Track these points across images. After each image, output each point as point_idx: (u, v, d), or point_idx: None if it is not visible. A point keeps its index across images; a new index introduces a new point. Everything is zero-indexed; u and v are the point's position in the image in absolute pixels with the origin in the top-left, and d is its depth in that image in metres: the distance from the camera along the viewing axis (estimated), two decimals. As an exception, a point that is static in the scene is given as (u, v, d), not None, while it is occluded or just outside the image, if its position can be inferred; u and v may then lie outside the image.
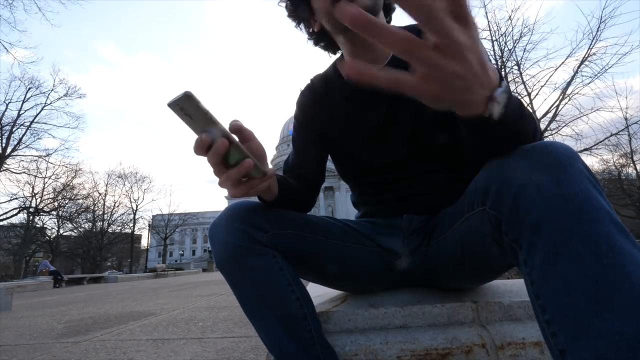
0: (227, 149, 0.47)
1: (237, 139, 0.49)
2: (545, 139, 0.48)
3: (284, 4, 0.77)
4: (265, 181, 0.56)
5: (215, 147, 0.47)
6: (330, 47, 0.80)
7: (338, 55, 0.83)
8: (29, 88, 20.09)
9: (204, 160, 0.49)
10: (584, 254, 0.35)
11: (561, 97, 8.60)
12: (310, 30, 0.78)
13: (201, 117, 0.44)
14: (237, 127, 0.50)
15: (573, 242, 0.36)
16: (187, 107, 0.42)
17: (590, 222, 0.36)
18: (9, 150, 19.22)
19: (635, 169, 16.26)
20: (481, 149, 0.50)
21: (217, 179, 0.51)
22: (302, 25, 0.78)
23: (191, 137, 0.48)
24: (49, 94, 20.67)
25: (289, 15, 0.78)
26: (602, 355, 0.31)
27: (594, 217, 0.37)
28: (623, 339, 0.31)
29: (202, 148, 0.47)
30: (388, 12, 0.75)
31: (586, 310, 0.33)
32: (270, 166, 0.58)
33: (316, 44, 0.80)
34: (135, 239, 32.54)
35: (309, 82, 0.85)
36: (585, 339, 0.33)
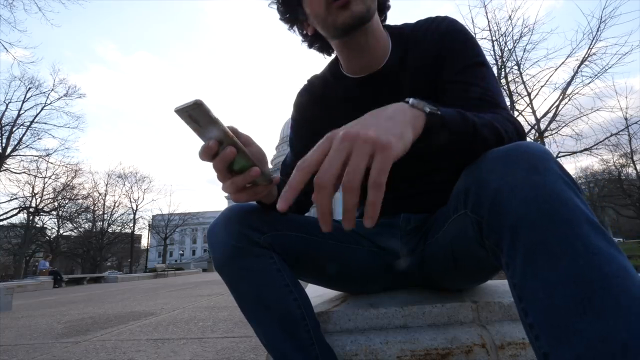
0: (234, 157, 0.47)
1: (243, 146, 0.49)
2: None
3: (274, 7, 0.76)
4: (270, 188, 0.57)
5: (222, 154, 0.47)
6: (325, 49, 0.79)
7: (334, 55, 0.82)
8: (29, 88, 20.14)
9: (205, 161, 0.49)
10: (561, 255, 0.35)
11: (561, 97, 8.61)
12: (304, 33, 0.77)
13: (209, 124, 0.43)
14: (232, 132, 0.50)
15: (549, 243, 0.36)
16: (195, 114, 0.42)
17: (565, 222, 0.36)
18: (9, 150, 19.25)
19: (635, 169, 16.26)
20: (452, 157, 0.53)
21: (217, 179, 0.51)
22: (295, 28, 0.77)
23: (192, 138, 0.48)
24: (49, 94, 20.75)
25: (282, 19, 0.76)
26: (581, 356, 0.31)
27: (568, 217, 0.36)
28: (602, 340, 0.31)
29: (208, 154, 0.47)
30: (382, 10, 0.74)
31: (566, 312, 0.33)
32: (270, 166, 0.58)
33: (310, 46, 0.79)
34: (135, 239, 32.57)
35: (306, 83, 0.84)
36: (566, 341, 0.33)
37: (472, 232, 0.48)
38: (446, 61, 0.67)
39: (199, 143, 0.47)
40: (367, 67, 0.72)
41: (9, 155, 19.28)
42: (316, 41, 0.77)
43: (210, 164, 0.50)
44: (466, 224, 0.49)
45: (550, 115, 8.71)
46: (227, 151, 0.46)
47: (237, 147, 0.47)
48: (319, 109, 0.80)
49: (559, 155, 8.85)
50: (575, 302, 0.33)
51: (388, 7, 0.75)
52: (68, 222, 24.99)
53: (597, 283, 0.33)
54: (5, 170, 19.08)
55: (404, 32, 0.73)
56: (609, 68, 8.08)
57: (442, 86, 0.68)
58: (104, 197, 28.45)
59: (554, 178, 0.39)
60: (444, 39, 0.68)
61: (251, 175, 0.50)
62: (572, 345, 0.32)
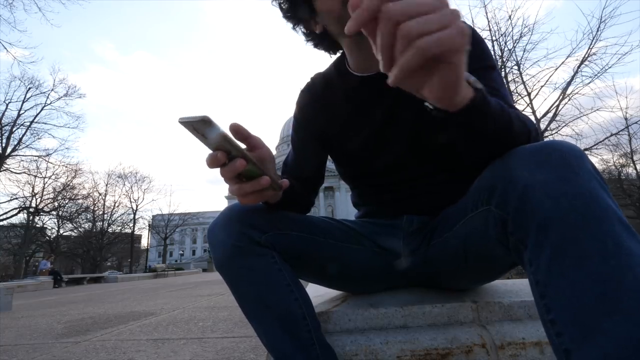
0: (243, 168, 0.47)
1: (252, 157, 0.48)
2: (546, 139, 0.48)
3: (277, 4, 0.73)
4: (278, 193, 0.57)
5: (232, 166, 0.46)
6: (332, 47, 0.78)
7: (340, 53, 0.80)
8: (29, 88, 20.16)
9: (204, 160, 0.49)
10: (591, 254, 0.35)
11: (561, 97, 8.60)
12: (310, 32, 0.75)
13: (216, 138, 0.43)
14: (235, 129, 0.50)
15: (580, 241, 0.36)
16: (201, 128, 0.41)
17: (597, 221, 0.36)
18: (9, 150, 19.26)
19: (635, 169, 16.25)
20: (473, 147, 0.50)
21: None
22: (299, 27, 0.75)
23: (192, 138, 0.47)
24: (48, 94, 20.75)
25: (286, 16, 0.74)
26: (609, 356, 0.31)
27: (601, 216, 0.36)
28: (630, 340, 0.31)
29: (216, 165, 0.46)
30: None
31: (593, 310, 0.33)
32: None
33: (316, 45, 0.78)
34: (135, 239, 32.56)
35: (309, 81, 0.83)
36: (592, 339, 0.33)
37: (492, 229, 0.47)
38: None
39: (204, 147, 0.46)
40: (375, 65, 0.72)
41: (9, 155, 19.28)
42: (323, 40, 0.75)
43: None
44: (487, 221, 0.48)
45: (550, 115, 8.72)
46: (236, 164, 0.46)
47: (246, 158, 0.46)
48: (320, 109, 0.79)
49: (558, 155, 8.82)
50: (604, 301, 0.33)
51: None
52: (68, 222, 25.00)
53: (627, 284, 0.33)
54: (5, 170, 19.09)
55: None
56: (609, 68, 8.08)
57: None
58: (104, 197, 28.52)
59: (588, 177, 0.39)
60: None
61: (261, 184, 0.50)
62: (599, 343, 0.32)
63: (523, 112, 0.59)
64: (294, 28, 0.76)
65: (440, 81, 0.34)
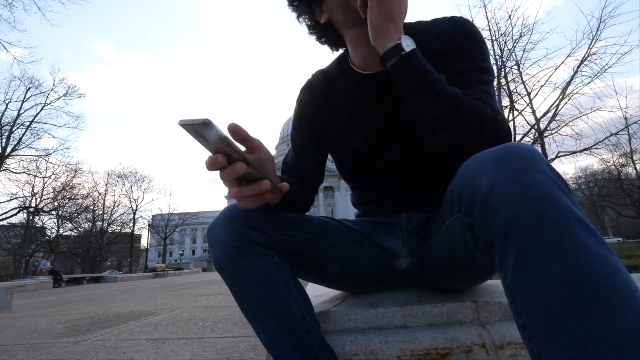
0: (244, 173, 0.46)
1: (253, 160, 0.48)
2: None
3: None
4: (278, 196, 0.57)
5: (232, 170, 0.46)
6: (334, 42, 0.77)
7: (341, 52, 0.80)
8: (29, 88, 20.16)
9: (204, 161, 0.48)
10: (550, 256, 0.35)
11: (561, 97, 8.61)
12: (314, 24, 0.74)
13: (218, 141, 0.42)
14: (233, 129, 0.49)
15: (539, 244, 0.36)
16: (202, 131, 0.40)
17: (554, 222, 0.36)
18: (9, 150, 19.26)
19: (635, 169, 16.25)
20: (413, 112, 0.62)
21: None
22: (304, 18, 0.74)
23: (192, 140, 0.47)
24: (48, 94, 20.74)
25: (292, 5, 0.73)
26: (574, 359, 0.31)
27: (557, 218, 0.36)
28: (591, 341, 0.31)
29: (216, 168, 0.46)
30: None
31: (556, 313, 0.33)
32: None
33: (320, 37, 0.76)
34: (135, 239, 32.59)
35: (310, 78, 0.83)
36: (557, 342, 0.33)
37: (468, 236, 0.48)
38: (451, 59, 0.67)
39: (204, 148, 0.46)
40: (377, 63, 0.72)
41: (9, 155, 19.28)
42: (327, 32, 0.75)
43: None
44: (462, 228, 0.49)
45: (550, 115, 8.72)
46: (237, 167, 0.45)
47: (246, 161, 0.46)
48: (321, 107, 0.79)
49: (559, 155, 8.87)
50: (565, 303, 0.33)
51: None
52: (68, 222, 25.00)
53: (586, 283, 0.33)
54: (5, 170, 19.08)
55: (416, 29, 0.72)
56: (609, 68, 8.10)
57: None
58: (104, 197, 28.51)
59: (543, 178, 0.39)
60: (455, 37, 0.68)
61: (261, 188, 0.50)
62: (563, 346, 0.32)
63: (506, 119, 0.65)
64: (298, 19, 0.75)
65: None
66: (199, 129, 0.40)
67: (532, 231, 0.37)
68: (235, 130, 0.49)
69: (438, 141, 0.61)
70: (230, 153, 0.45)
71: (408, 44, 0.58)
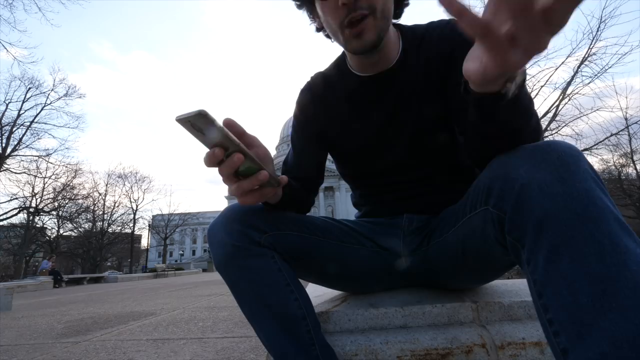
0: (241, 164, 0.46)
1: (249, 151, 0.48)
2: (546, 139, 0.48)
3: None
4: (277, 189, 0.56)
5: (229, 162, 0.46)
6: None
7: (340, 54, 0.80)
8: (29, 88, 20.14)
9: (203, 160, 0.48)
10: (587, 253, 0.35)
11: (561, 97, 8.60)
12: (313, 20, 0.74)
13: (213, 133, 0.42)
14: (229, 123, 0.49)
15: (576, 241, 0.36)
16: (199, 123, 0.41)
17: (593, 220, 0.36)
18: (9, 150, 19.24)
19: (635, 169, 16.25)
20: (486, 142, 0.50)
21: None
22: (304, 10, 0.73)
23: (192, 139, 0.47)
24: (48, 94, 20.73)
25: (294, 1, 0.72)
26: (605, 355, 0.31)
27: (597, 216, 0.36)
28: (626, 338, 0.31)
29: (214, 162, 0.46)
30: (399, 5, 0.70)
31: (589, 309, 0.33)
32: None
33: (319, 29, 0.75)
34: (135, 239, 32.61)
35: (309, 80, 0.83)
36: (588, 338, 0.33)
37: (491, 229, 0.47)
38: (459, 62, 0.67)
39: (202, 146, 0.46)
40: (376, 66, 0.72)
41: (9, 155, 19.27)
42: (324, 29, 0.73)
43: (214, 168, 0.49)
44: (485, 221, 0.48)
45: (550, 115, 8.72)
46: (234, 158, 0.45)
47: (243, 152, 0.46)
48: (320, 108, 0.79)
49: (558, 155, 8.83)
50: (600, 300, 0.33)
51: (406, 4, 0.71)
52: (68, 222, 24.98)
53: (622, 281, 0.33)
54: (5, 170, 19.07)
55: (416, 32, 0.72)
56: (609, 68, 8.08)
57: (453, 86, 0.67)
58: (104, 197, 28.49)
59: (585, 177, 0.39)
60: (458, 40, 0.67)
61: (259, 179, 0.50)
62: (595, 342, 0.32)
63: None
64: (299, 7, 0.74)
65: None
66: (196, 121, 0.40)
67: (570, 228, 0.37)
68: (230, 124, 0.49)
69: (497, 151, 0.51)
70: (227, 145, 0.45)
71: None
